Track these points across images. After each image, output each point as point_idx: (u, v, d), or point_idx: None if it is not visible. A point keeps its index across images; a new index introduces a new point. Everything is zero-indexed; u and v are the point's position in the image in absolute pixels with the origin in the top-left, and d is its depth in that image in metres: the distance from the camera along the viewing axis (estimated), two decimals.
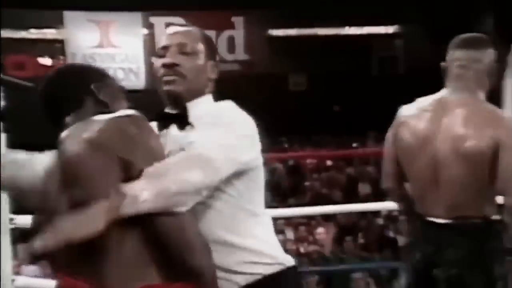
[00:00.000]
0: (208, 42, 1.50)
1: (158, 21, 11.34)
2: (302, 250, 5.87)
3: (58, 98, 1.37)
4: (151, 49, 11.06)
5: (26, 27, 11.35)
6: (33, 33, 11.58)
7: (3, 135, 2.31)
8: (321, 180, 8.35)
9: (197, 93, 1.45)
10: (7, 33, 11.01)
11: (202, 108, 1.43)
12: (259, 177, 1.44)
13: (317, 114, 10.81)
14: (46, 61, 11.65)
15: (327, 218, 6.46)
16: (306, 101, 11.05)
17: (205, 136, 1.32)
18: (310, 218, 6.36)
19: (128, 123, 1.22)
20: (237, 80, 10.92)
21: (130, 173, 1.18)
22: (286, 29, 12.09)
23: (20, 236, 2.48)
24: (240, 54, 12.07)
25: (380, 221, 6.64)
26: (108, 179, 1.17)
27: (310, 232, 6.24)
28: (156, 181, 1.18)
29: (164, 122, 1.44)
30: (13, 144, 2.48)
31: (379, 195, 2.74)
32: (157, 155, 1.24)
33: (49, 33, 11.72)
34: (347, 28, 12.18)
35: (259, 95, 9.75)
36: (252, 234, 1.39)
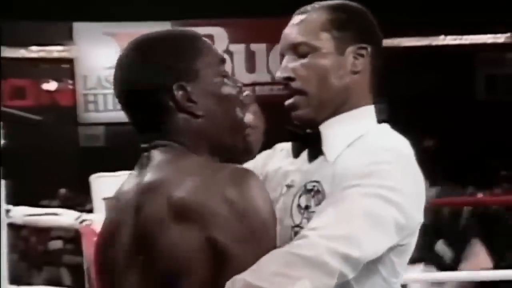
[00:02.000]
0: (338, 21, 1.38)
1: None
2: None
3: (130, 99, 1.27)
4: None
5: (26, 44, 11.65)
6: (34, 51, 11.87)
7: (3, 182, 2.30)
8: None
9: (331, 109, 1.38)
10: (2, 52, 11.35)
11: (340, 133, 1.36)
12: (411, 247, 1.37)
13: None
14: (51, 86, 11.91)
15: None
16: None
17: (341, 196, 1.25)
18: None
19: (237, 185, 1.14)
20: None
21: (222, 261, 1.13)
22: None
23: None
24: None
25: None
26: (192, 263, 1.13)
27: None
28: None
29: (297, 145, 1.41)
30: (16, 193, 2.45)
31: None
32: (263, 237, 1.16)
33: (55, 51, 11.99)
34: (442, 37, 12.06)
35: None
36: None
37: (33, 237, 6.83)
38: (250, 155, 1.48)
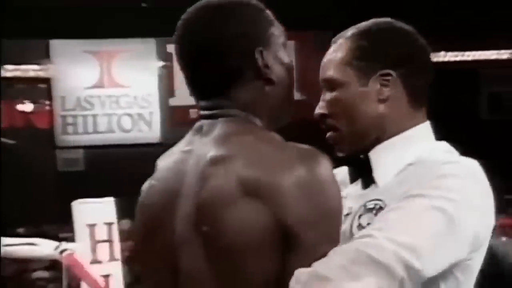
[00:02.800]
0: (359, 51, 1.43)
1: None
2: None
3: (200, 62, 1.30)
4: (169, 88, 11.16)
5: None
6: (9, 70, 11.85)
7: None
8: None
9: (370, 140, 1.43)
10: None
11: (390, 159, 1.41)
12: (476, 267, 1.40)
13: None
14: (26, 107, 11.89)
15: None
16: None
17: (403, 207, 1.28)
18: None
19: (309, 166, 1.18)
20: (288, 129, 10.83)
21: (289, 243, 1.16)
22: None
23: None
24: None
25: None
26: (258, 241, 1.16)
27: None
28: None
29: (354, 170, 1.47)
30: None
31: None
32: (330, 222, 1.20)
33: (31, 70, 11.98)
34: (442, 53, 12.10)
35: (322, 147, 9.67)
36: None
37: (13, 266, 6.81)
38: None
